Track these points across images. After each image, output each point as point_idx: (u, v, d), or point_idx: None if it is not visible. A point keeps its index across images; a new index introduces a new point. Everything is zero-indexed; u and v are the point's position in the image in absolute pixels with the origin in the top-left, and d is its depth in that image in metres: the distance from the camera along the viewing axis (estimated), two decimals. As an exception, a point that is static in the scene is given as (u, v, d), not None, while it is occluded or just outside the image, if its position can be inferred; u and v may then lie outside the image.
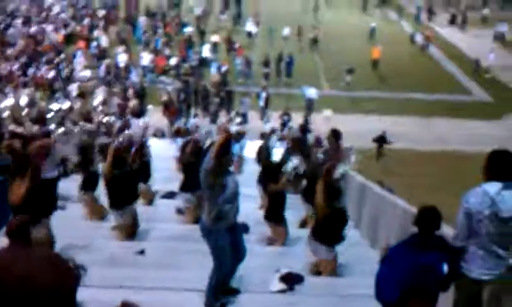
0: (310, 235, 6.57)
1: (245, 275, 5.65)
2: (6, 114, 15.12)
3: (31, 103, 17.38)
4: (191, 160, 8.71)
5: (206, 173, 5.00)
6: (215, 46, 30.24)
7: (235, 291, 5.62)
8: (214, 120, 21.67)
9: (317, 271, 6.41)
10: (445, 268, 3.98)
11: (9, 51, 26.32)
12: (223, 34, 31.53)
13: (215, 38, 30.71)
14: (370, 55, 30.29)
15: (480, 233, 3.94)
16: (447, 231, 5.82)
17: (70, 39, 30.10)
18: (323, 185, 6.39)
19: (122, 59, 26.43)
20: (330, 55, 31.61)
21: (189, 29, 31.62)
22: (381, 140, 9.87)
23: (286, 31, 32.99)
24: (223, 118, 21.50)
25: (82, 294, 4.63)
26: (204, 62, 27.79)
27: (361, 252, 7.47)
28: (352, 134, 13.34)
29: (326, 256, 6.35)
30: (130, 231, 7.52)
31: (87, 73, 24.74)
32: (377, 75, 29.26)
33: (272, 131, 14.47)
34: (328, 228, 6.28)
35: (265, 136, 14.97)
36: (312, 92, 23.60)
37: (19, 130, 11.70)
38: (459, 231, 4.07)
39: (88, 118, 16.04)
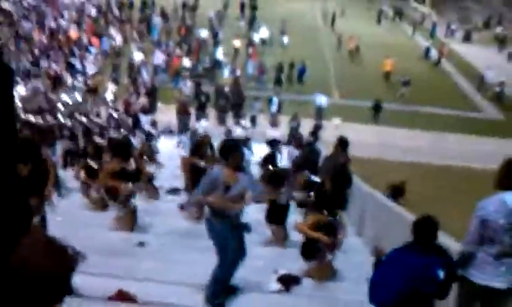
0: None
1: (244, 275, 5.62)
2: (17, 104, 15.29)
3: (41, 95, 17.57)
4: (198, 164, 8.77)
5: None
6: (236, 51, 30.37)
7: (234, 290, 5.60)
8: (222, 122, 21.73)
9: (309, 275, 6.33)
10: (441, 273, 3.93)
11: (24, 44, 26.50)
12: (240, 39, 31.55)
13: (237, 43, 30.75)
14: (383, 68, 30.35)
15: (494, 241, 3.92)
16: (447, 243, 5.80)
17: (83, 34, 30.24)
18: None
19: (138, 57, 26.58)
20: (342, 64, 31.59)
21: (203, 32, 31.71)
22: (396, 192, 9.84)
23: (285, 39, 33.10)
24: (231, 120, 21.60)
25: (78, 281, 4.64)
26: (217, 65, 27.84)
27: (361, 260, 7.42)
28: (358, 143, 13.30)
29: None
30: (130, 223, 7.54)
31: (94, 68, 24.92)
32: (388, 87, 29.17)
33: (277, 141, 14.48)
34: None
35: (273, 143, 15.01)
36: (322, 99, 23.60)
37: (29, 119, 11.83)
38: (470, 236, 4.05)
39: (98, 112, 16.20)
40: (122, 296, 4.92)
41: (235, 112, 22.76)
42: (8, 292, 4.01)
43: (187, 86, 24.25)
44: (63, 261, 4.47)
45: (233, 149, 5.28)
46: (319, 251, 6.17)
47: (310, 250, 6.23)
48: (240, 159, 5.32)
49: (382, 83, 29.54)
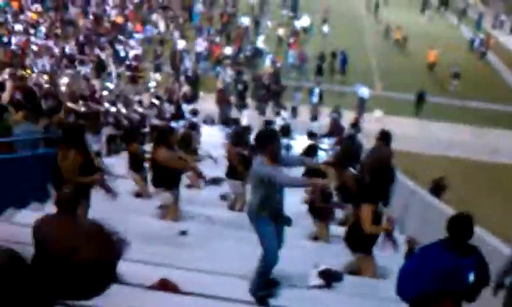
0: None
1: (285, 268, 5.61)
2: (63, 90, 15.60)
3: (85, 82, 17.87)
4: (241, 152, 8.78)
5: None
6: (280, 40, 30.23)
7: (276, 283, 5.60)
8: (262, 112, 21.71)
9: (354, 271, 6.27)
10: (471, 276, 3.84)
11: (69, 30, 27.01)
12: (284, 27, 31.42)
13: (281, 31, 30.64)
14: (427, 58, 29.77)
15: None
16: (488, 240, 5.68)
17: (127, 21, 30.64)
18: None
19: (181, 45, 26.77)
20: (386, 55, 31.11)
21: (245, 20, 31.70)
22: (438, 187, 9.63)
23: (326, 28, 32.50)
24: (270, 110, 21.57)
25: (122, 268, 4.72)
26: (258, 54, 27.79)
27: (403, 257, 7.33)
28: (401, 137, 13.11)
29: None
30: (176, 211, 7.61)
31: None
32: (432, 79, 28.58)
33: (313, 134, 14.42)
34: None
35: (314, 135, 14.96)
36: (364, 91, 23.31)
37: (74, 106, 12.05)
38: None
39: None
40: (164, 285, 4.98)
41: (275, 102, 22.71)
42: (57, 280, 4.11)
43: (227, 75, 24.31)
44: (110, 248, 4.55)
45: (270, 140, 5.22)
46: (371, 244, 6.04)
47: (361, 242, 6.05)
48: (278, 150, 5.26)
49: (426, 75, 28.93)
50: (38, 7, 29.50)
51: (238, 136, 9.39)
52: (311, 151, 9.83)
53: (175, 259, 5.84)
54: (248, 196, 6.49)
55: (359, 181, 7.10)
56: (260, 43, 28.69)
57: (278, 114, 20.05)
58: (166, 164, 7.02)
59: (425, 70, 29.48)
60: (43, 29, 26.33)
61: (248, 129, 9.98)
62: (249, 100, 22.71)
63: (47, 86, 14.37)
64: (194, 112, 17.50)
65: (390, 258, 6.62)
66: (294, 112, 21.70)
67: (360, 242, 5.95)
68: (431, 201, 8.17)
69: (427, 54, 29.90)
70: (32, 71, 19.31)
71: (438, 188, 9.67)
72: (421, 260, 4.08)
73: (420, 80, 27.06)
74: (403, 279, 4.08)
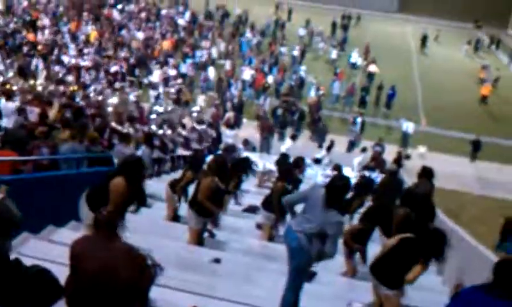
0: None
1: (316, 304, 5.55)
2: (110, 110, 15.96)
3: (133, 104, 18.24)
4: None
5: None
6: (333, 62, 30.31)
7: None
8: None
9: None
10: None
11: (121, 52, 27.79)
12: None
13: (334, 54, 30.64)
14: (479, 92, 29.47)
15: None
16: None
17: (177, 46, 31.30)
18: None
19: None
20: (434, 91, 30.71)
21: (294, 50, 32.03)
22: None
23: (372, 68, 31.33)
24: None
25: (154, 293, 4.76)
26: (302, 84, 27.90)
27: (441, 300, 7.12)
28: (443, 175, 12.86)
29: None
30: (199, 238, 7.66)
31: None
32: (484, 115, 27.97)
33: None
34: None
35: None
36: (408, 125, 23.04)
37: (119, 127, 12.29)
38: None
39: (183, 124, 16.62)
40: (195, 312, 4.98)
41: (312, 132, 22.88)
42: (90, 300, 4.19)
43: (267, 102, 24.53)
44: (144, 273, 4.62)
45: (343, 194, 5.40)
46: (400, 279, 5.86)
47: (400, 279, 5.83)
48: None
49: (473, 114, 28.38)
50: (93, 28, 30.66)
51: (287, 172, 9.30)
52: (365, 187, 9.70)
53: (208, 287, 5.84)
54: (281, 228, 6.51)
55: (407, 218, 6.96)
56: (305, 73, 28.75)
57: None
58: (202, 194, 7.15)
59: (473, 107, 28.86)
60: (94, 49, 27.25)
61: (297, 163, 9.90)
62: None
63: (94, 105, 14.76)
64: (246, 142, 17.88)
65: (425, 300, 6.48)
66: (353, 145, 21.62)
67: (389, 275, 5.81)
68: (470, 242, 7.98)
69: (481, 87, 29.52)
70: (85, 89, 19.92)
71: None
72: (466, 302, 3.97)
73: (468, 119, 26.62)
74: None
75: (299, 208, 5.52)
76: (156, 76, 25.64)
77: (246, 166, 10.10)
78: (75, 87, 18.59)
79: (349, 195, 9.80)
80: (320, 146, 19.92)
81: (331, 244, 5.13)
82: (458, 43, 40.63)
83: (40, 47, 26.18)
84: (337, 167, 14.29)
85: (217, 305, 5.29)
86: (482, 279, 4.15)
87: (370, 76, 29.81)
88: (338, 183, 5.39)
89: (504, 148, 24.49)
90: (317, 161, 17.47)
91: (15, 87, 14.01)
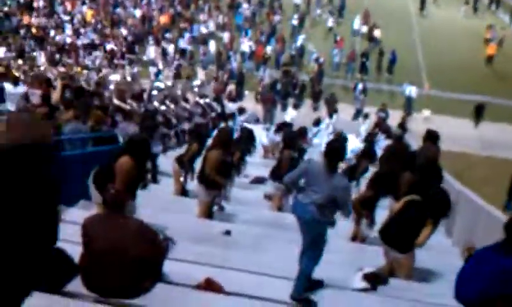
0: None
1: (326, 270, 5.55)
2: (111, 88, 15.87)
3: (134, 81, 18.14)
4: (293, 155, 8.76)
5: None
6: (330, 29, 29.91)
7: (318, 285, 5.55)
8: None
9: (390, 271, 6.11)
10: None
11: (118, 30, 27.56)
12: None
13: (330, 22, 30.24)
14: (485, 52, 29.31)
15: None
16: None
17: (174, 20, 30.98)
18: None
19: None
20: (436, 54, 30.43)
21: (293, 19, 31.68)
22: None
23: (377, 32, 31.15)
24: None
25: (167, 267, 4.78)
26: (302, 53, 27.66)
27: (451, 261, 7.15)
28: (449, 137, 12.80)
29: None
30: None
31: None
32: (489, 75, 27.75)
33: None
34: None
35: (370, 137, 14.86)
36: (411, 90, 22.90)
37: (122, 105, 12.23)
38: None
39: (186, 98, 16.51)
40: (209, 285, 4.99)
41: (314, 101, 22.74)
42: (107, 275, 4.22)
43: (266, 74, 24.35)
44: (156, 248, 4.64)
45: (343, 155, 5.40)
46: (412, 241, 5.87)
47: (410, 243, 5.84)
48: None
49: (477, 75, 28.16)
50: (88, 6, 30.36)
51: (292, 140, 9.31)
52: (368, 154, 9.68)
53: (219, 259, 5.86)
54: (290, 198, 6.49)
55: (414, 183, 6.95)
56: (304, 42, 28.46)
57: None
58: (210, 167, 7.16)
59: (476, 67, 28.64)
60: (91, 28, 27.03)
61: (301, 133, 9.91)
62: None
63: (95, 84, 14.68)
64: (241, 111, 17.61)
65: (435, 261, 6.49)
66: (359, 113, 21.51)
67: (399, 239, 5.85)
68: (478, 202, 7.98)
69: (486, 47, 29.32)
70: (87, 68, 19.80)
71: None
72: (479, 264, 3.98)
73: (470, 80, 26.43)
74: (462, 283, 4.02)
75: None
76: (152, 52, 25.46)
77: (251, 139, 10.11)
78: (79, 69, 18.48)
79: (354, 161, 9.83)
80: (330, 117, 19.75)
81: (345, 208, 5.18)
82: (457, 4, 40.08)
83: (34, 31, 25.98)
84: (339, 135, 14.27)
85: (229, 276, 5.29)
86: (492, 240, 4.15)
87: (376, 41, 29.57)
88: (335, 144, 5.43)
89: (509, 108, 24.39)
90: (317, 122, 17.42)
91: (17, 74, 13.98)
